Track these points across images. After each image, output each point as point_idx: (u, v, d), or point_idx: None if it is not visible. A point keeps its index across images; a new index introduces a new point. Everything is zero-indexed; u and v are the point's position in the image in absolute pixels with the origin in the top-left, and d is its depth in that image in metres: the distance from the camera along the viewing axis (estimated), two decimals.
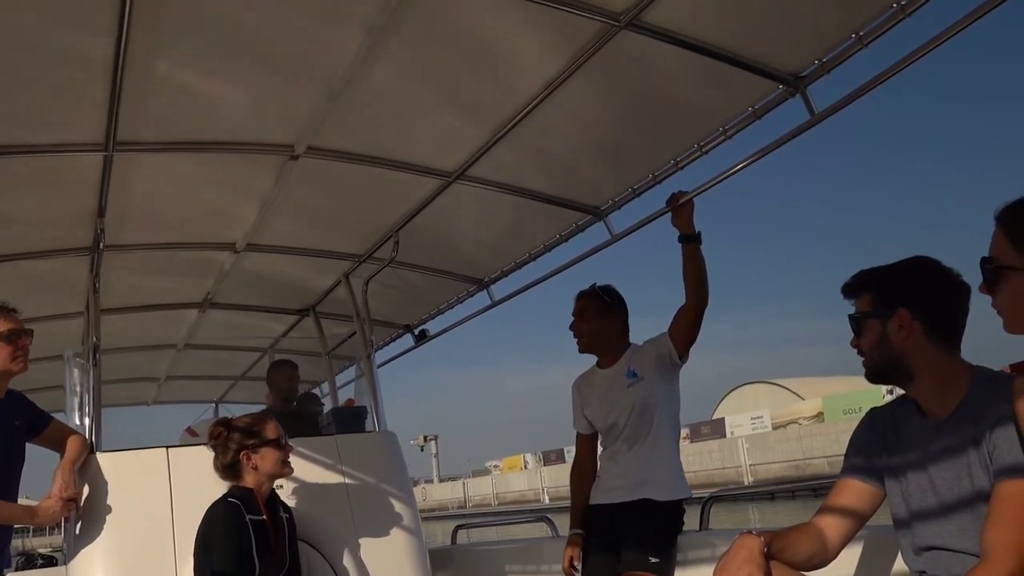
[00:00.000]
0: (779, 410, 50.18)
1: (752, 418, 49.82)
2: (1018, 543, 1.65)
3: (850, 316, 2.08)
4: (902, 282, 2.02)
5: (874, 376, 2.06)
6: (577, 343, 3.57)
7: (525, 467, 65.99)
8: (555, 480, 53.25)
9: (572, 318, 3.55)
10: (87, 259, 4.04)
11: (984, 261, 1.66)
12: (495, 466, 73.28)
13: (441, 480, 72.79)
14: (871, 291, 2.05)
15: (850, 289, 2.11)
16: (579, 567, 3.44)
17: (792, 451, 40.63)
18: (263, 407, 6.16)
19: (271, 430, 3.17)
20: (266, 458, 3.12)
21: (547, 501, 48.52)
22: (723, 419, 52.30)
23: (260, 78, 2.92)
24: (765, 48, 2.72)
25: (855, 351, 2.08)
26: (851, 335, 2.10)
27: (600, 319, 3.51)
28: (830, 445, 36.98)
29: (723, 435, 48.40)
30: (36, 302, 4.63)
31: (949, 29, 2.26)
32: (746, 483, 37.33)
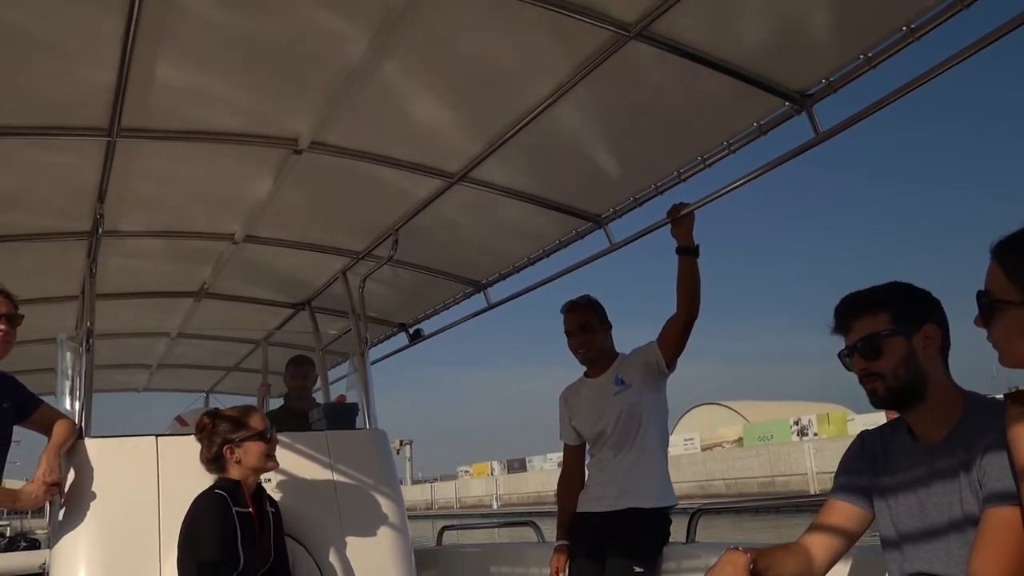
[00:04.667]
0: (708, 432, 56.22)
1: (685, 439, 55.00)
2: (1004, 570, 1.65)
3: (870, 335, 1.95)
4: (922, 299, 1.98)
5: (891, 399, 1.94)
6: (582, 356, 3.54)
7: (492, 473, 72.71)
8: (509, 488, 62.50)
9: (571, 336, 3.51)
10: (85, 243, 4.03)
11: (980, 295, 1.64)
12: (465, 471, 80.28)
13: (414, 482, 79.22)
14: (888, 309, 1.96)
15: (858, 308, 1.99)
16: None
17: (698, 473, 46.77)
18: (254, 399, 6.17)
19: (256, 422, 3.14)
20: (249, 452, 3.09)
21: (495, 506, 56.89)
22: None
23: (267, 72, 2.92)
24: (773, 65, 2.73)
25: (862, 375, 1.96)
26: (843, 360, 2.01)
27: (600, 330, 3.53)
28: (727, 469, 45.51)
29: None
30: (31, 284, 4.61)
31: (957, 55, 2.26)
32: None
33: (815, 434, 47.47)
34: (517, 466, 69.38)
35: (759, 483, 41.58)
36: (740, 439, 53.48)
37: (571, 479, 3.64)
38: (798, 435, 48.16)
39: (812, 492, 32.84)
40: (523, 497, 58.39)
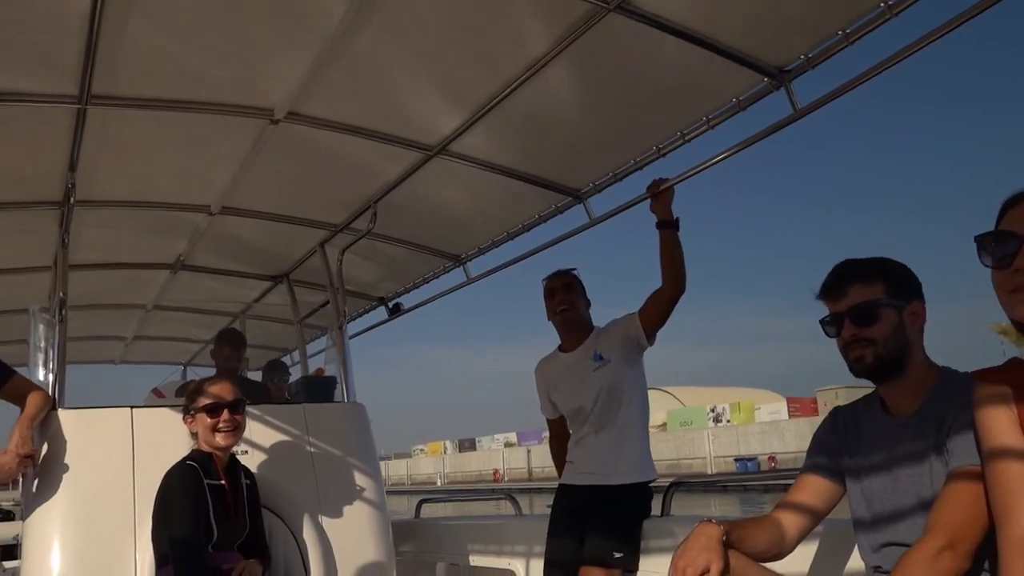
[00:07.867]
0: None
1: None
2: (952, 520, 1.72)
3: (866, 302, 1.96)
4: (910, 277, 2.02)
5: (878, 366, 1.96)
6: (565, 315, 3.49)
7: (445, 452, 79.34)
8: (454, 467, 71.26)
9: (553, 296, 3.50)
10: (57, 213, 3.97)
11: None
12: (420, 449, 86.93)
13: None
14: (884, 280, 1.99)
15: (855, 275, 2.00)
16: None
17: None
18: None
19: (216, 391, 3.10)
20: (199, 423, 3.08)
21: (439, 483, 63.94)
22: None
23: (243, 40, 2.86)
24: (752, 40, 2.72)
25: (851, 340, 1.97)
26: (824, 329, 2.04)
27: (582, 296, 3.54)
28: None
29: None
30: (2, 254, 4.55)
31: (935, 31, 2.27)
32: None
33: (728, 420, 53.96)
34: (468, 446, 75.27)
35: (666, 465, 47.10)
36: (664, 424, 58.97)
37: (563, 448, 3.61)
38: (713, 421, 54.44)
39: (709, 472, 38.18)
40: (466, 475, 67.53)
